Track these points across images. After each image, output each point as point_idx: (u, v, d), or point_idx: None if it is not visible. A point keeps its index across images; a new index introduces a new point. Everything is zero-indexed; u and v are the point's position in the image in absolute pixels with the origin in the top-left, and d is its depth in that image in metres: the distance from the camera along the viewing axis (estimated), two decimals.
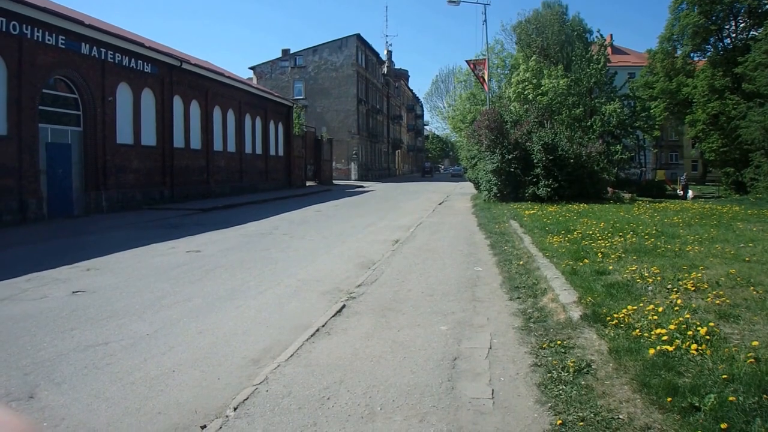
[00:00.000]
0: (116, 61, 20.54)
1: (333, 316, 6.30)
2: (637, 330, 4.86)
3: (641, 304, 5.65)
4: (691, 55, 42.31)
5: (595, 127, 30.02)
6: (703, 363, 4.11)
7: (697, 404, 3.44)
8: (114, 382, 4.53)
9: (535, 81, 32.99)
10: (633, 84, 42.33)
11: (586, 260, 8.29)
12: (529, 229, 12.75)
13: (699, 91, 39.53)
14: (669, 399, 3.55)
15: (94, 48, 19.36)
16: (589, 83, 31.78)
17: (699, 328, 4.73)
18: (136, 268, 9.55)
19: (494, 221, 15.58)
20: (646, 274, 7.08)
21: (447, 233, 14.16)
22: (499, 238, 12.21)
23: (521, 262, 9.01)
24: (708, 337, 4.59)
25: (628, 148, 33.02)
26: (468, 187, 37.64)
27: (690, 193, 38.29)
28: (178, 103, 25.05)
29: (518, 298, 6.95)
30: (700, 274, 7.04)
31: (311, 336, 5.55)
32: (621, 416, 3.50)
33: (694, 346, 4.37)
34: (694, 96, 40.30)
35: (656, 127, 39.05)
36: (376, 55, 71.51)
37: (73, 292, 7.65)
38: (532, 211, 17.06)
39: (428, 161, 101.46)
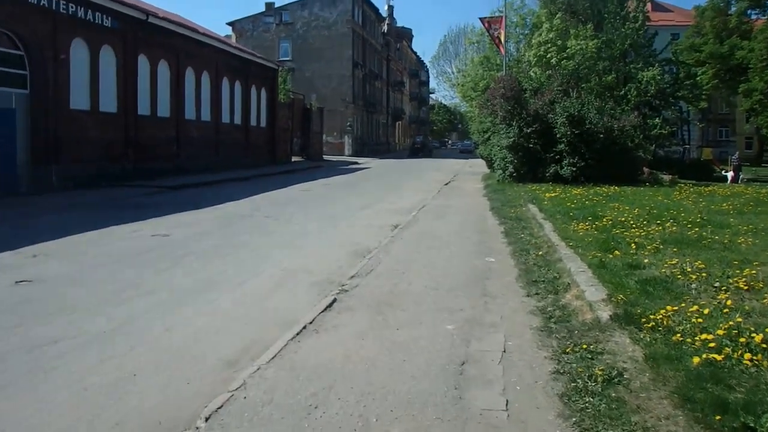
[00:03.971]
0: (70, 13, 20.28)
1: (322, 311, 6.28)
2: (679, 335, 4.82)
3: (683, 305, 5.60)
4: (748, 12, 41.67)
5: (629, 96, 29.85)
6: (758, 376, 4.07)
7: (752, 425, 3.38)
8: (64, 388, 4.49)
9: (559, 42, 32.72)
10: (676, 47, 41.91)
11: (617, 252, 8.24)
12: (550, 214, 12.71)
13: (756, 56, 38.91)
14: (717, 417, 3.50)
15: None
16: (624, 45, 31.51)
17: (753, 335, 4.67)
18: (92, 254, 9.51)
19: (509, 205, 15.55)
20: (689, 270, 7.04)
21: (454, 218, 14.13)
22: (514, 225, 12.18)
23: (540, 253, 8.99)
24: (764, 345, 4.53)
25: (668, 121, 32.82)
26: (479, 165, 37.55)
27: (742, 176, 38.07)
28: (143, 63, 24.80)
29: (537, 294, 6.92)
30: (754, 271, 6.98)
31: (297, 334, 5.53)
32: None
33: (747, 355, 4.32)
34: (750, 61, 39.69)
35: (703, 97, 38.68)
36: (376, 11, 71.00)
37: (17, 282, 7.60)
38: (553, 194, 17.02)
39: (420, 134, 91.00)
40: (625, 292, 6.08)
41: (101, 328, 5.85)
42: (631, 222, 11.09)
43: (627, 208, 13.55)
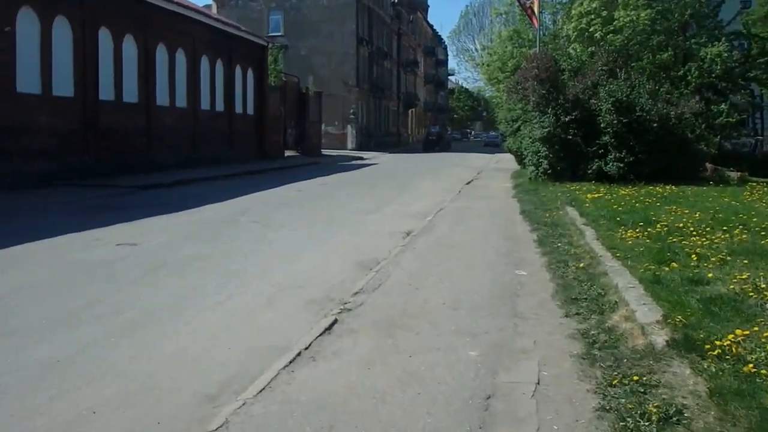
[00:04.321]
0: None
1: (320, 334, 6.28)
2: (751, 365, 4.76)
3: (756, 328, 5.54)
4: None
5: (690, 78, 29.68)
6: None
7: None
8: (8, 430, 4.46)
9: (605, 13, 32.65)
10: (747, 17, 41.48)
11: (674, 264, 8.20)
12: (592, 219, 12.69)
13: None
14: None
15: None
16: (683, 16, 31.34)
17: None
18: (44, 267, 9.55)
19: (543, 208, 15.56)
20: (763, 286, 6.98)
21: (477, 223, 14.16)
22: (550, 231, 12.20)
23: (581, 265, 8.97)
24: None
25: (737, 108, 32.53)
26: (507, 160, 37.55)
27: None
28: (105, 38, 24.84)
29: (577, 314, 6.90)
30: None
31: (290, 362, 5.52)
32: None
33: None
34: None
35: None
36: None
37: None
38: (596, 195, 16.99)
39: (437, 124, 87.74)
40: (685, 313, 6.03)
41: (54, 355, 5.83)
42: (692, 228, 11.03)
43: (686, 211, 13.50)
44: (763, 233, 10.57)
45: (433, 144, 65.53)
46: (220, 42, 34.21)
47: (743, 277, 7.43)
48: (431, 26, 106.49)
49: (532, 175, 23.84)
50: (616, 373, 5.08)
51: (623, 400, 4.53)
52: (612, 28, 31.81)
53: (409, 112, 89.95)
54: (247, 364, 5.70)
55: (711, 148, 25.39)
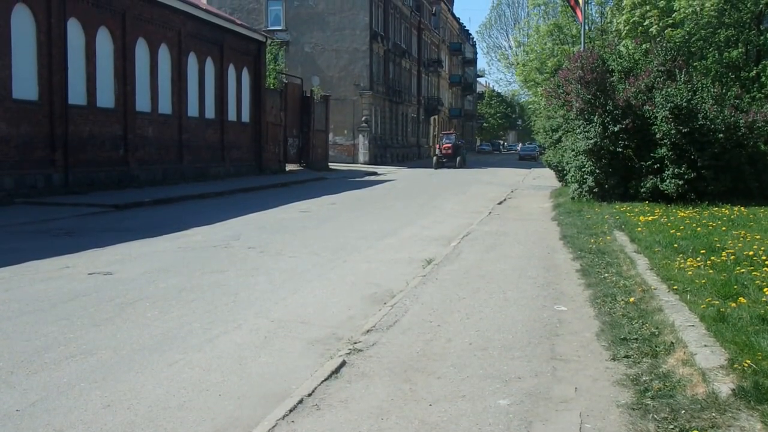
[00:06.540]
0: None
1: (326, 379, 6.29)
2: None
3: None
4: None
5: (764, 79, 29.57)
6: None
7: None
8: None
9: (662, 3, 32.73)
10: None
11: (742, 299, 8.16)
12: (645, 245, 12.65)
13: None
14: None
15: None
16: (758, 6, 31.31)
17: None
18: (2, 299, 9.56)
19: (588, 232, 15.54)
20: None
21: (511, 250, 14.14)
22: (595, 260, 12.18)
23: (632, 299, 8.97)
24: None
25: None
26: (546, 176, 37.50)
27: None
28: (75, 31, 25.00)
29: (626, 357, 6.89)
30: None
31: (290, 411, 5.53)
32: None
33: None
34: None
35: None
36: None
37: None
38: (651, 217, 16.92)
39: (452, 133, 73.61)
40: (755, 357, 6.01)
41: (13, 404, 5.84)
42: (764, 257, 10.96)
43: (758, 236, 13.43)
44: None
45: (446, 157, 59.30)
46: (210, 37, 34.41)
47: None
48: (457, 20, 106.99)
49: (575, 194, 23.76)
50: (672, 426, 5.08)
51: None
52: (671, 21, 31.81)
53: (432, 119, 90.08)
54: (240, 413, 5.73)
55: None
